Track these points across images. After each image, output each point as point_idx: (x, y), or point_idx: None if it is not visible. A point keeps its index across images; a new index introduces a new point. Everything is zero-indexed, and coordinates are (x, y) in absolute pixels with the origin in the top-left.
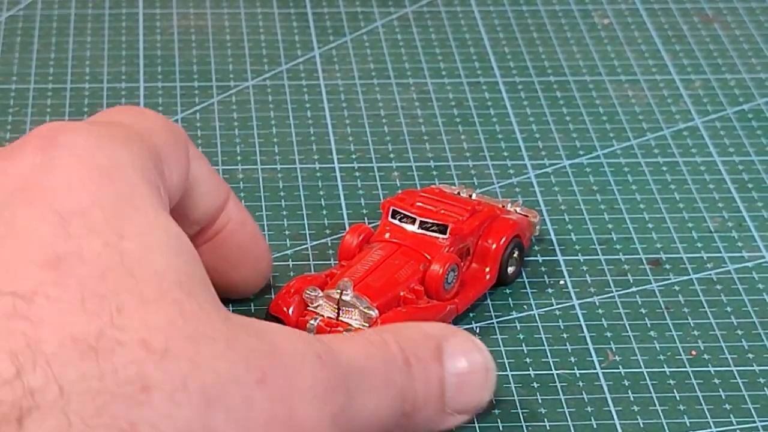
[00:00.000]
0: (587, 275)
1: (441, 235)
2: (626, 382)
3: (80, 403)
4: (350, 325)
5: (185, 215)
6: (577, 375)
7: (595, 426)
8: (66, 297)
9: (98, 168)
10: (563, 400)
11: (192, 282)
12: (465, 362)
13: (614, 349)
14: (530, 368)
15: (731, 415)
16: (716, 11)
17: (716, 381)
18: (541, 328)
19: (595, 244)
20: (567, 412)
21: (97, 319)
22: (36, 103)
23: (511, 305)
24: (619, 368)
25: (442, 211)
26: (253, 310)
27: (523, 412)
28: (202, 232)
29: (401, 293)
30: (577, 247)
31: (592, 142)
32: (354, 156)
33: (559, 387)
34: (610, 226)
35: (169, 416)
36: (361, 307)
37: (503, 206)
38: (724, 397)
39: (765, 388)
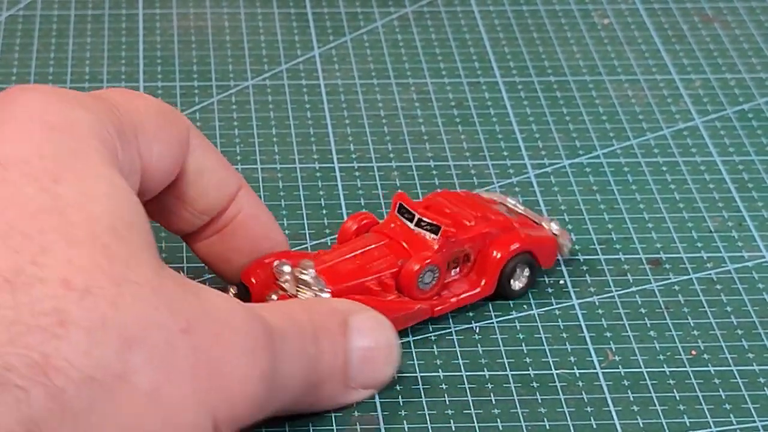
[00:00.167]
0: (587, 275)
1: (433, 236)
2: (626, 382)
3: None
4: None
5: (192, 205)
6: (577, 375)
7: (594, 426)
8: None
9: (48, 123)
10: (563, 400)
11: (129, 229)
12: (370, 338)
13: (614, 349)
14: (530, 368)
15: (731, 415)
16: (716, 11)
17: (716, 381)
18: (540, 328)
19: (595, 244)
20: (567, 412)
21: (17, 255)
22: None
23: (511, 305)
24: (618, 368)
25: (448, 211)
26: None
27: (523, 412)
28: (212, 223)
29: (367, 283)
30: (576, 247)
31: (591, 142)
32: (354, 156)
33: (558, 387)
34: (609, 226)
35: (85, 353)
36: (315, 288)
37: (538, 222)
38: (724, 397)
39: (765, 388)
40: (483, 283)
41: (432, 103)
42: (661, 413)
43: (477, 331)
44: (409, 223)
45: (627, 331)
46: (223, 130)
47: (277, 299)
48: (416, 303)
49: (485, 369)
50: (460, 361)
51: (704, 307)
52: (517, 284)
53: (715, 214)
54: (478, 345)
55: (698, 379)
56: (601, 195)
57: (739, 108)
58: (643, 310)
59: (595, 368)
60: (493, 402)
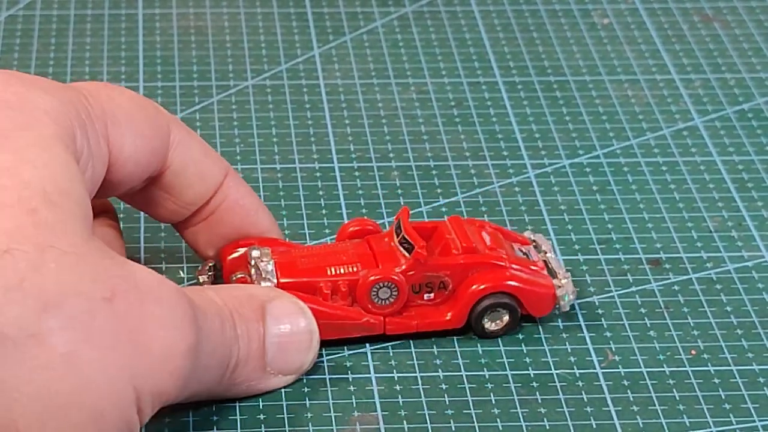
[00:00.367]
0: (587, 275)
1: (406, 255)
2: (626, 382)
3: None
4: None
5: (177, 197)
6: (577, 375)
7: (594, 426)
8: None
9: (4, 102)
10: (563, 400)
11: (62, 197)
12: (287, 324)
13: (614, 349)
14: (530, 368)
15: (731, 415)
16: (716, 11)
17: (716, 380)
18: (541, 328)
19: (595, 243)
20: (566, 412)
21: None
22: None
23: None
24: (618, 368)
25: (448, 237)
26: None
27: (522, 412)
28: (199, 211)
29: (319, 284)
30: (576, 246)
31: (591, 142)
32: (353, 156)
33: (558, 387)
34: (609, 225)
35: None
36: (264, 277)
37: (554, 271)
38: (723, 397)
39: (765, 388)
40: (449, 315)
41: (432, 103)
42: (660, 413)
43: None
44: (395, 239)
45: (627, 331)
46: (222, 130)
47: (235, 280)
48: (365, 316)
49: (485, 369)
50: (460, 361)
51: (704, 307)
52: (491, 325)
53: (715, 214)
54: (478, 345)
55: (698, 379)
56: (601, 195)
57: (738, 108)
58: (642, 310)
59: (595, 368)
60: (493, 402)
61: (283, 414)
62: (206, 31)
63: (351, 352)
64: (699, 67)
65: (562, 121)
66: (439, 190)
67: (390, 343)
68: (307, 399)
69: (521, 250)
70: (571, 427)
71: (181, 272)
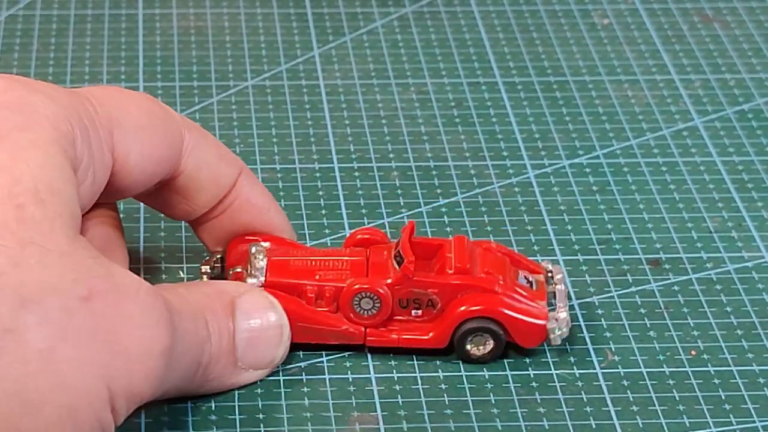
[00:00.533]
0: (587, 275)
1: (397, 269)
2: (625, 382)
3: None
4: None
5: (191, 199)
6: (577, 375)
7: (594, 426)
8: None
9: (4, 104)
10: (562, 400)
11: (51, 195)
12: (257, 319)
13: (613, 349)
14: (530, 368)
15: (731, 415)
16: (716, 11)
17: (716, 381)
18: None
19: (595, 244)
20: (566, 412)
21: None
22: None
23: None
24: (618, 368)
25: (449, 255)
26: None
27: (522, 412)
28: (211, 210)
29: (306, 287)
30: (576, 247)
31: (591, 142)
32: (353, 156)
33: (558, 387)
34: (609, 226)
35: None
36: (252, 274)
37: (553, 304)
38: (723, 397)
39: (765, 388)
40: (431, 334)
41: (432, 104)
42: (660, 413)
43: None
44: (393, 252)
45: (627, 331)
46: (222, 131)
47: (232, 274)
48: (344, 324)
49: (485, 369)
50: (460, 362)
51: (704, 308)
52: (475, 349)
53: (715, 214)
54: None
55: (698, 379)
56: (600, 195)
57: (738, 108)
58: (642, 311)
59: (594, 368)
60: (493, 402)
61: (283, 414)
62: (206, 32)
63: (351, 352)
64: (699, 67)
65: (562, 121)
66: (438, 191)
67: None
68: (306, 399)
69: (527, 278)
70: (571, 428)
71: (181, 272)
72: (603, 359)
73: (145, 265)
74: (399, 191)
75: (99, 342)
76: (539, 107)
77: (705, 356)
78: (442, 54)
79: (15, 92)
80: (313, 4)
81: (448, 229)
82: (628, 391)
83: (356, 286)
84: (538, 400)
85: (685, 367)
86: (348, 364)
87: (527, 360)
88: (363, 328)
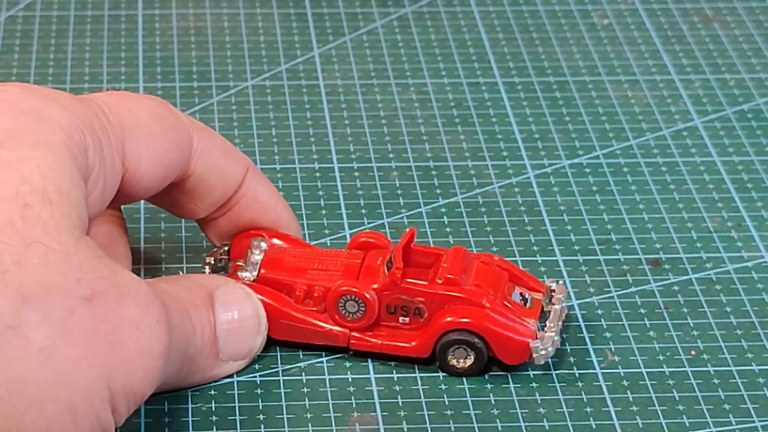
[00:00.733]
0: (586, 275)
1: (387, 274)
2: (625, 383)
3: None
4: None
5: (199, 200)
6: (577, 375)
7: (594, 426)
8: None
9: (18, 108)
10: (562, 400)
11: (60, 196)
12: (236, 310)
13: (613, 349)
14: (529, 368)
15: (730, 415)
16: (716, 11)
17: (715, 381)
18: None
19: (594, 244)
20: (566, 413)
21: None
22: None
23: None
24: (618, 368)
25: (445, 266)
26: None
27: (522, 412)
28: (219, 208)
29: (296, 284)
30: (576, 247)
31: (591, 143)
32: (353, 156)
33: (558, 387)
34: (609, 226)
35: None
36: (245, 268)
37: (544, 323)
38: (723, 397)
39: (764, 388)
40: (414, 343)
41: (431, 104)
42: (660, 413)
43: None
44: (387, 257)
45: (626, 332)
46: (222, 131)
47: (233, 266)
48: (327, 324)
49: (499, 363)
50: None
51: (703, 308)
52: (456, 361)
53: (715, 214)
54: None
55: (697, 380)
56: (600, 195)
57: (738, 108)
58: (642, 311)
59: (594, 368)
60: (493, 402)
61: (283, 414)
62: (206, 32)
63: (336, 355)
64: (699, 67)
65: (561, 121)
66: (438, 191)
67: None
68: (307, 399)
69: (522, 295)
70: (571, 428)
71: (180, 272)
72: (603, 359)
73: (146, 265)
74: (399, 191)
75: (99, 342)
76: (539, 107)
77: (705, 356)
78: (441, 54)
79: (31, 100)
80: (312, 4)
81: (448, 229)
82: (628, 391)
83: (343, 288)
84: (538, 401)
85: (684, 367)
86: (348, 364)
87: (527, 360)
88: (348, 331)
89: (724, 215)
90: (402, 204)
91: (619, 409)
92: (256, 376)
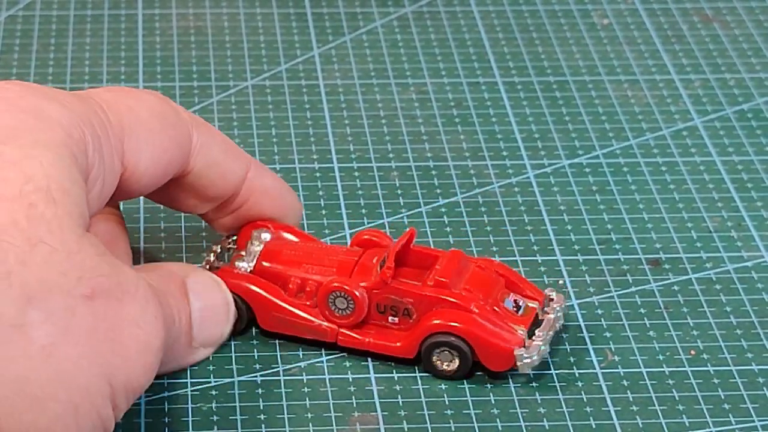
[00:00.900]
0: (586, 275)
1: (378, 273)
2: (625, 382)
3: None
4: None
5: (200, 195)
6: (576, 375)
7: (594, 426)
8: None
9: (18, 107)
10: (562, 400)
11: (63, 195)
12: (207, 298)
13: (613, 349)
14: (529, 369)
15: (730, 415)
16: (716, 11)
17: (715, 381)
18: None
19: (594, 244)
20: (566, 412)
21: None
22: None
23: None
24: (618, 368)
25: (438, 267)
26: None
27: (522, 412)
28: (227, 204)
29: (291, 277)
30: (576, 247)
31: (591, 142)
32: (353, 156)
33: (558, 387)
34: (609, 226)
35: None
36: (243, 258)
37: (536, 331)
38: (723, 397)
39: (764, 388)
40: (399, 343)
41: (431, 104)
42: (660, 413)
43: None
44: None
45: (626, 331)
46: (222, 131)
47: (235, 256)
48: (317, 320)
49: (485, 369)
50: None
51: (703, 307)
52: (441, 364)
53: (715, 214)
54: None
55: (697, 379)
56: (600, 195)
57: (738, 108)
58: (642, 310)
59: (594, 368)
60: (493, 402)
61: (283, 414)
62: (206, 32)
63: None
64: (698, 67)
65: (561, 121)
66: (438, 191)
67: None
68: (307, 399)
69: (516, 302)
70: (571, 428)
71: None
72: (603, 359)
73: (145, 263)
74: (399, 191)
75: (100, 340)
76: (539, 107)
77: (704, 356)
78: (441, 54)
79: (30, 98)
80: (312, 4)
81: (448, 229)
82: (628, 391)
83: (334, 284)
84: (538, 400)
85: (684, 366)
86: (348, 364)
87: None
88: (336, 327)
89: (724, 215)
90: (402, 204)
91: (619, 409)
92: (256, 376)
